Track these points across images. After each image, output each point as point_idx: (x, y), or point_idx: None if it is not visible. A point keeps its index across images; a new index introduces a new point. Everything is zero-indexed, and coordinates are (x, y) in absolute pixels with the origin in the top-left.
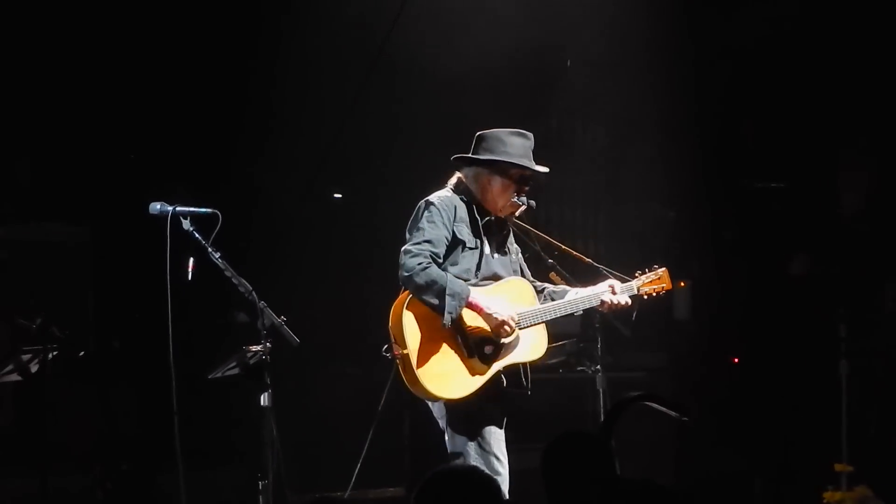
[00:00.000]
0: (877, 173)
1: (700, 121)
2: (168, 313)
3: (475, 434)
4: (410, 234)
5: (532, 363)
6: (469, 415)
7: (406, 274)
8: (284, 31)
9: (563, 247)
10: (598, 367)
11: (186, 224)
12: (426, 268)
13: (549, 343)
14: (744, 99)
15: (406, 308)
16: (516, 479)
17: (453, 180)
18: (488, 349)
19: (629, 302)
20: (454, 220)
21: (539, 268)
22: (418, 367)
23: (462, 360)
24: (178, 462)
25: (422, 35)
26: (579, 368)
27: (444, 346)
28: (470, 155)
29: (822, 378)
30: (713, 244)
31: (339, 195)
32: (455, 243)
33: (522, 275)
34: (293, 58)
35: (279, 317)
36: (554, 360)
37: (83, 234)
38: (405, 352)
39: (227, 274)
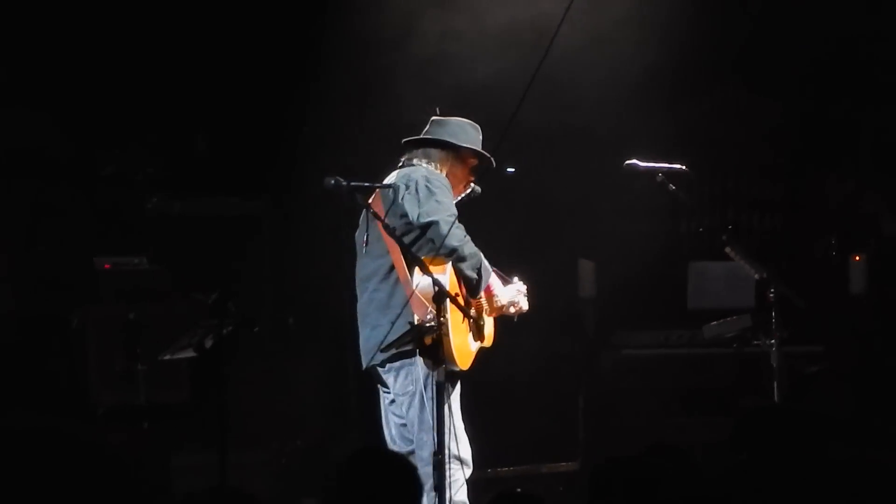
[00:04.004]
0: None
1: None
2: (343, 289)
3: (445, 405)
4: (423, 206)
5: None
6: (444, 386)
7: (456, 244)
8: None
9: None
10: (773, 341)
11: (361, 199)
12: (469, 240)
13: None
14: None
15: (451, 275)
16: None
17: (417, 158)
18: (478, 328)
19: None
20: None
21: None
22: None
23: (467, 334)
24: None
25: None
26: (755, 343)
27: (459, 319)
28: (445, 139)
29: None
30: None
31: (513, 169)
32: None
33: None
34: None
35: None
36: (729, 335)
37: (260, 209)
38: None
39: (404, 249)
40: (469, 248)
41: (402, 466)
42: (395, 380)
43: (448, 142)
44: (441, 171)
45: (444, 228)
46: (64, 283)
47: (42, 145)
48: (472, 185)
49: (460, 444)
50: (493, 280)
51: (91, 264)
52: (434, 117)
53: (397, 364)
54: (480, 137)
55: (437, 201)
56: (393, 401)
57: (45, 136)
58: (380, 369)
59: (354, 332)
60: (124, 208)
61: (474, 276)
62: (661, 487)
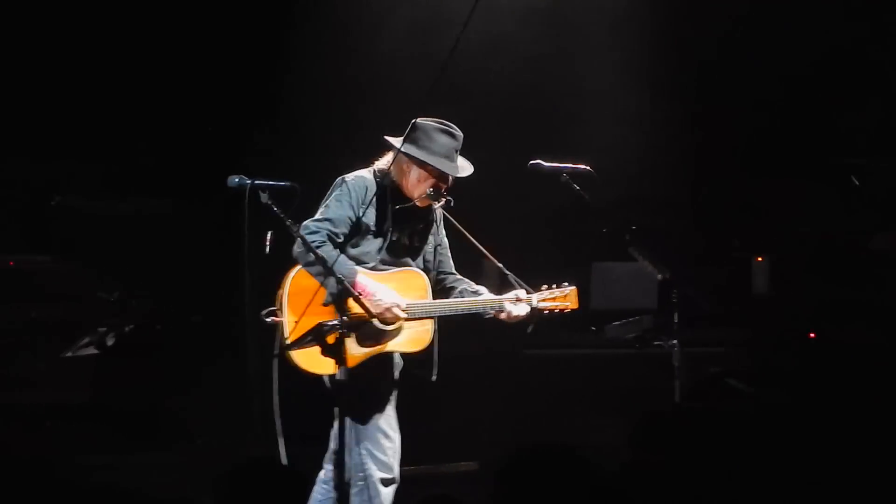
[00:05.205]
0: None
1: (783, 93)
2: (246, 287)
3: (362, 409)
4: (321, 208)
5: (412, 355)
6: (357, 391)
7: (298, 249)
8: None
9: (481, 248)
10: (675, 341)
11: (265, 197)
12: (319, 246)
13: (433, 340)
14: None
15: (293, 278)
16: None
17: (382, 159)
18: (366, 333)
19: (525, 314)
20: (362, 203)
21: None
22: (290, 336)
23: (336, 339)
24: (261, 436)
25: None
26: (656, 343)
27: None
28: (391, 141)
29: None
30: (791, 219)
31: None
32: (358, 226)
33: (438, 267)
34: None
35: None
36: (630, 335)
37: (164, 208)
38: (280, 320)
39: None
40: (311, 255)
41: (286, 478)
42: None
43: (392, 144)
44: (393, 173)
45: (300, 231)
46: None
47: None
48: (432, 191)
49: (388, 448)
50: (367, 282)
51: None
52: (416, 120)
53: None
54: (454, 144)
55: (325, 206)
56: None
57: None
58: None
59: (256, 332)
60: (28, 205)
61: (320, 279)
62: (560, 488)
